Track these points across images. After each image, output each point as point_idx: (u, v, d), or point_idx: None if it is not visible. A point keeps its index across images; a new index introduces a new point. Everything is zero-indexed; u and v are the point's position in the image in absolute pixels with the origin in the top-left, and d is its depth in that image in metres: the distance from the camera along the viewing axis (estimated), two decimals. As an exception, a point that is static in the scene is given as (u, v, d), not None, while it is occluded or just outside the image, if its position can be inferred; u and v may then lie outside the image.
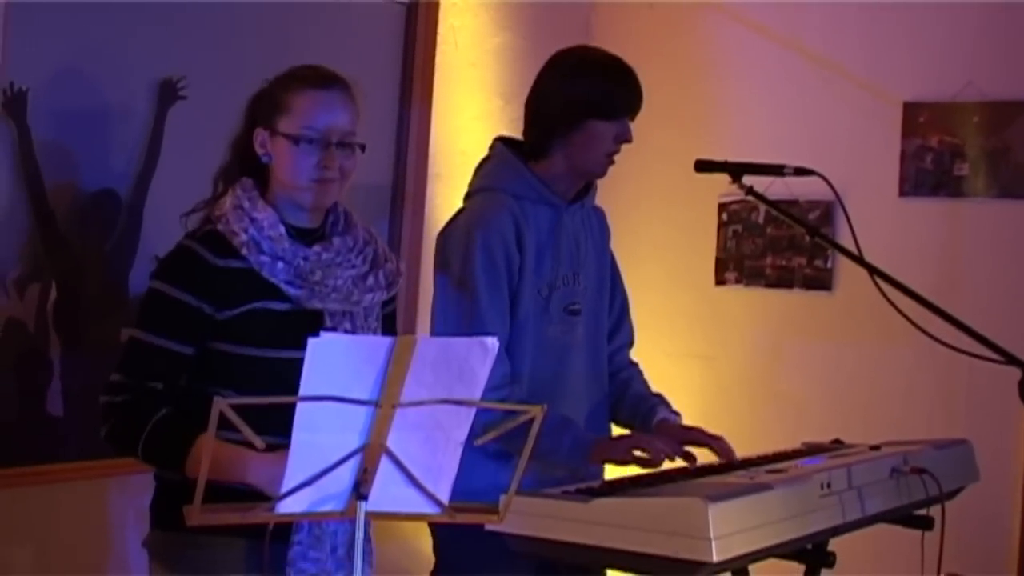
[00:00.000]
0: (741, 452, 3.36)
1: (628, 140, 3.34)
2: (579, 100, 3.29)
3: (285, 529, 2.72)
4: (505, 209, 3.28)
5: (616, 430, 3.57)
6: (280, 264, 2.76)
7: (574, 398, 3.42)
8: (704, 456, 3.33)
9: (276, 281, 2.76)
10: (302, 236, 2.84)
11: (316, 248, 2.83)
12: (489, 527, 2.66)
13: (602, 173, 3.41)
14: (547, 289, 3.35)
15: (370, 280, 2.88)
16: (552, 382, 3.36)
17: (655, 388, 3.65)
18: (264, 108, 2.83)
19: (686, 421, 3.51)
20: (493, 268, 3.23)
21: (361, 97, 2.84)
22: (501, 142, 3.44)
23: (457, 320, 3.24)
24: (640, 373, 3.65)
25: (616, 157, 3.41)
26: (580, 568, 3.04)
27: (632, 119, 3.35)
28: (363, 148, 2.84)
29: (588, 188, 3.49)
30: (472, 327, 3.14)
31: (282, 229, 2.79)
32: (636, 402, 3.52)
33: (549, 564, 2.99)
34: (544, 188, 3.34)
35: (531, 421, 2.36)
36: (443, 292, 3.30)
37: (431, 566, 3.42)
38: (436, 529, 3.36)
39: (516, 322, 3.30)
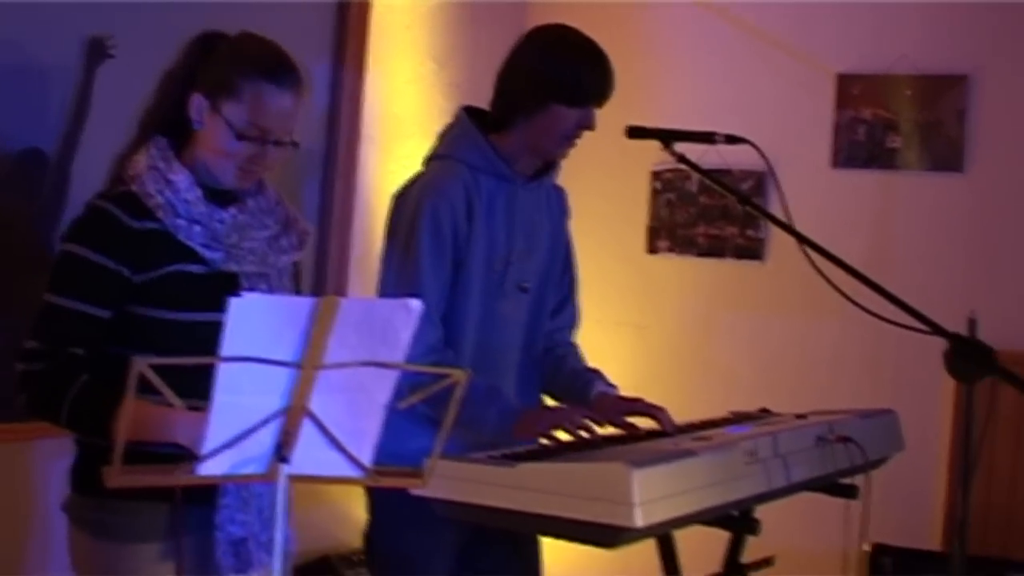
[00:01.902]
0: (669, 421, 3.34)
1: (591, 127, 3.32)
2: (547, 82, 3.27)
3: (209, 492, 2.69)
4: (458, 179, 3.27)
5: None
6: (196, 228, 2.73)
7: (509, 372, 3.43)
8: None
9: (192, 244, 2.72)
10: (216, 197, 2.80)
11: (232, 210, 2.80)
12: (414, 491, 2.66)
13: (560, 156, 3.40)
14: (502, 264, 3.35)
15: (283, 241, 2.86)
16: (492, 354, 3.36)
17: (590, 362, 3.63)
18: (212, 78, 2.76)
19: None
20: (438, 236, 3.21)
21: (310, 90, 2.79)
22: (465, 111, 3.41)
23: (397, 283, 3.24)
24: (577, 350, 3.63)
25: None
26: (508, 533, 3.07)
27: (599, 107, 3.33)
28: (297, 145, 2.81)
29: (549, 167, 3.47)
30: (410, 291, 3.12)
31: (198, 192, 2.75)
32: (572, 377, 3.51)
33: (478, 529, 3.00)
34: (501, 162, 3.33)
35: (456, 386, 2.34)
36: (389, 256, 3.30)
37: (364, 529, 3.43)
38: (370, 493, 3.36)
39: (462, 292, 3.29)
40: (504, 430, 3.19)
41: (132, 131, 2.85)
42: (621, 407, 3.33)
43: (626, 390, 3.47)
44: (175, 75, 2.82)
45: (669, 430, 3.21)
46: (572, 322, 3.65)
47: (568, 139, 3.32)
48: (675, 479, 2.65)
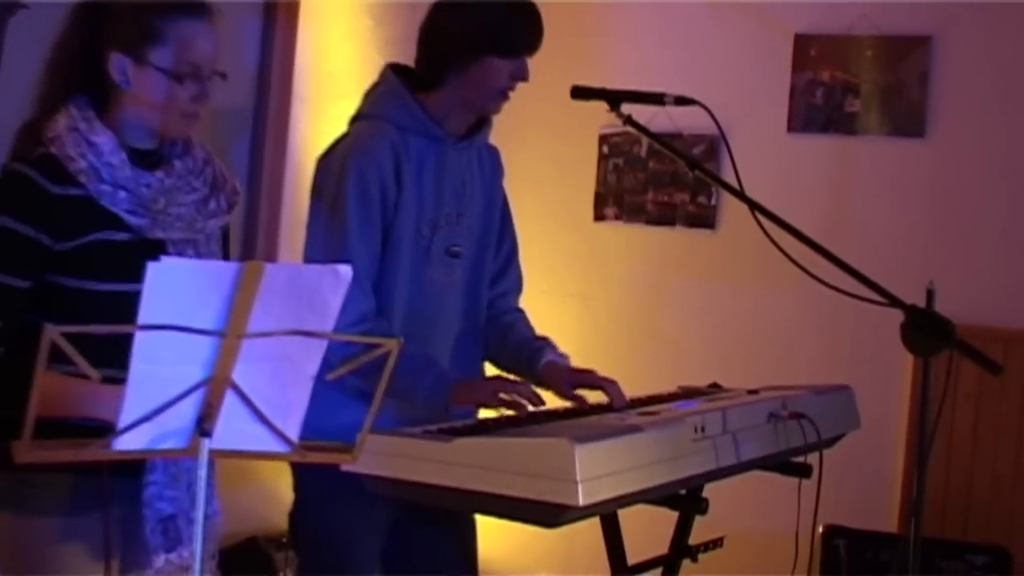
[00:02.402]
0: (616, 395, 3.34)
1: (525, 79, 3.31)
2: (477, 34, 3.26)
3: (137, 464, 2.67)
4: (385, 139, 3.25)
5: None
6: (122, 193, 2.70)
7: (445, 341, 3.41)
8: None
9: (117, 211, 2.69)
10: (142, 159, 2.77)
11: (158, 174, 2.77)
12: (345, 468, 2.64)
13: (494, 110, 3.38)
14: (429, 229, 3.33)
15: (212, 204, 2.84)
16: (425, 323, 3.35)
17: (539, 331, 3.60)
18: (125, 32, 2.72)
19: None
20: (366, 199, 3.20)
21: (220, 18, 2.78)
22: (392, 69, 3.40)
23: (324, 249, 3.21)
24: (524, 317, 3.60)
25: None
26: (443, 512, 3.06)
27: (531, 56, 3.31)
28: (224, 76, 2.79)
29: (481, 125, 3.45)
30: (339, 257, 3.09)
31: (123, 155, 2.72)
32: (519, 346, 3.47)
33: (410, 507, 2.99)
34: (430, 121, 3.31)
35: (387, 356, 2.32)
36: (314, 219, 3.28)
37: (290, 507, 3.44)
38: (296, 469, 3.35)
39: (391, 258, 3.27)
40: (438, 401, 3.18)
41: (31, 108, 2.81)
42: (571, 379, 3.31)
43: (572, 363, 3.44)
44: (69, 46, 2.79)
45: (617, 405, 3.20)
46: (516, 286, 3.63)
47: (502, 93, 3.31)
48: (620, 455, 2.64)
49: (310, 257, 3.26)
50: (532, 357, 3.42)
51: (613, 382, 3.27)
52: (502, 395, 3.13)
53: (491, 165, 3.54)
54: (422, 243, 3.31)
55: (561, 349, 3.45)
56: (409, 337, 3.02)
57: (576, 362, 3.43)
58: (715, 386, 3.71)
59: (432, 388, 3.19)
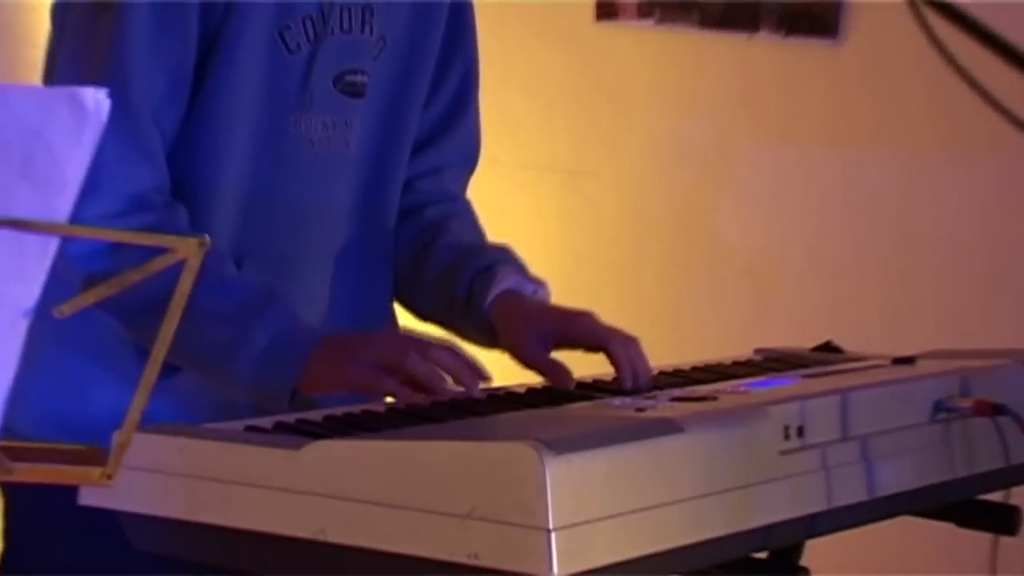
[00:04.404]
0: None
1: None
2: None
3: None
4: None
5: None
6: None
7: (318, 262, 2.89)
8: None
9: None
10: None
11: None
12: (87, 499, 2.20)
13: None
14: (302, 35, 2.77)
15: None
16: (275, 226, 2.82)
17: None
18: None
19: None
20: None
21: None
22: None
23: (75, 72, 2.67)
24: (470, 213, 3.09)
25: None
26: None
27: None
28: None
29: None
30: (100, 80, 2.42)
31: None
32: (454, 266, 2.91)
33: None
34: None
35: (183, 272, 1.74)
36: (60, 23, 2.75)
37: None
38: (6, 490, 2.86)
39: (217, 93, 2.71)
40: (284, 375, 2.58)
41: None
42: (548, 329, 2.74)
43: (563, 298, 2.88)
44: None
45: (629, 380, 2.61)
46: (462, 157, 3.09)
47: None
48: (634, 480, 2.08)
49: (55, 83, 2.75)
50: (476, 287, 2.84)
51: (630, 341, 2.67)
52: (411, 365, 2.53)
53: None
54: (288, 67, 2.75)
55: (529, 271, 2.89)
56: (243, 249, 2.68)
57: (561, 298, 2.88)
58: (828, 347, 3.16)
59: (273, 345, 2.59)
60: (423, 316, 2.96)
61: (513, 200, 3.82)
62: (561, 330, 2.72)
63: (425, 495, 2.04)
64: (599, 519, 2.00)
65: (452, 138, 3.06)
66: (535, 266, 2.91)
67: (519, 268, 2.87)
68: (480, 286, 2.80)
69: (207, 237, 1.74)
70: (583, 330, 2.71)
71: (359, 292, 2.92)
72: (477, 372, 2.54)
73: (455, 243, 2.96)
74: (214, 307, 2.38)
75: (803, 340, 3.25)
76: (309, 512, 2.13)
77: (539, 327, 2.73)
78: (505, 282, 2.79)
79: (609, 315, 2.80)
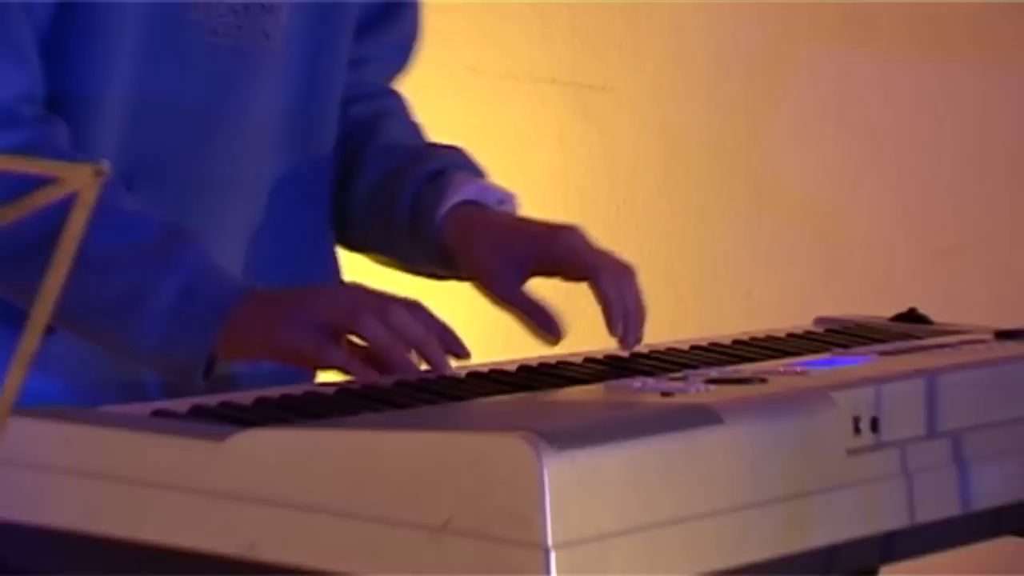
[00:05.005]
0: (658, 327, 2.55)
1: None
2: None
3: None
4: None
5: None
6: None
7: (232, 183, 2.66)
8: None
9: None
10: None
11: None
12: None
13: None
14: None
15: None
16: (176, 140, 2.60)
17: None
18: None
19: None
20: None
21: None
22: None
23: None
24: (405, 109, 2.88)
25: None
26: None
27: None
28: None
29: None
30: None
31: None
32: (391, 170, 2.70)
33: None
34: None
35: (72, 208, 1.63)
36: None
37: None
38: None
39: None
40: (196, 335, 2.38)
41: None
42: (520, 254, 2.53)
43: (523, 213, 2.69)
44: None
45: (618, 328, 2.43)
46: (397, 49, 2.86)
47: None
48: (661, 484, 1.91)
49: None
50: (423, 199, 2.64)
51: (621, 271, 2.46)
52: (364, 328, 2.31)
53: None
54: None
55: (486, 174, 2.68)
56: (131, 168, 2.49)
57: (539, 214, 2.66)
58: (911, 316, 2.99)
59: (182, 300, 2.40)
60: (353, 244, 2.75)
61: (500, 122, 3.68)
62: (539, 251, 2.50)
63: (386, 502, 1.88)
64: (612, 535, 1.84)
65: (388, 28, 2.84)
66: (528, 208, 2.65)
67: (477, 172, 2.66)
68: (429, 197, 2.58)
69: (105, 164, 1.53)
70: (566, 250, 2.49)
71: (291, 229, 2.68)
72: (450, 342, 2.30)
73: (391, 145, 2.75)
74: (106, 252, 2.17)
75: (878, 307, 3.08)
76: (235, 521, 1.96)
77: (510, 248, 2.52)
78: (461, 191, 2.58)
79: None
